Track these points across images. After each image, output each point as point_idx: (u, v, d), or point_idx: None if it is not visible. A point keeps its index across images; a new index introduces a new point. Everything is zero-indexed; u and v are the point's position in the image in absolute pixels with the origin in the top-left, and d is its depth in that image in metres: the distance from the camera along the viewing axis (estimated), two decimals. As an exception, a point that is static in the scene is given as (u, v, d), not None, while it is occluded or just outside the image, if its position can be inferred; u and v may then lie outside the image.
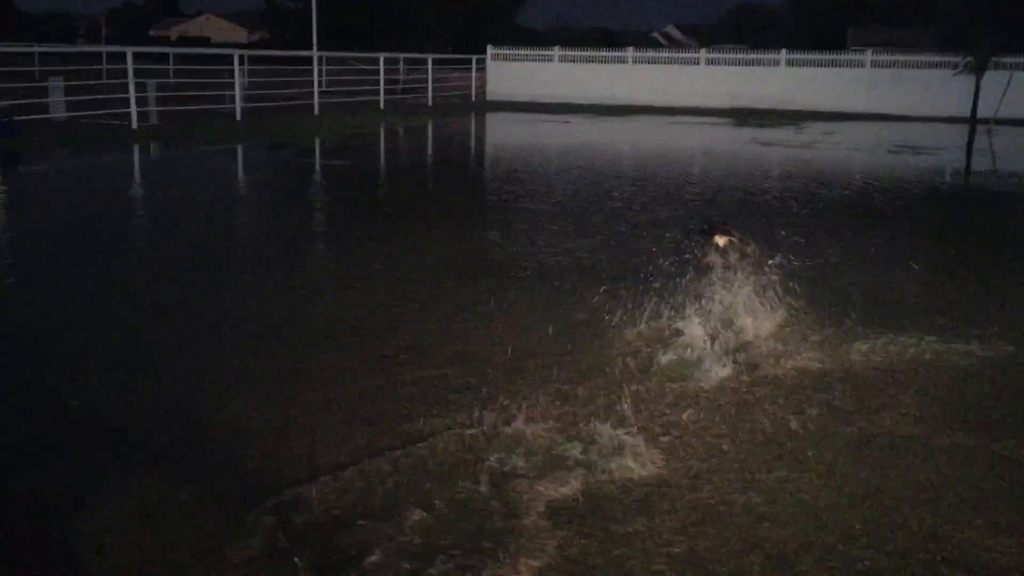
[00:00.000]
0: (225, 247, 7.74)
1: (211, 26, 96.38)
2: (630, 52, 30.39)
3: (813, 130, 21.75)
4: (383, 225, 8.95)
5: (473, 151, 18.15)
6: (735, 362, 4.59)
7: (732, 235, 5.19)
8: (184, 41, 76.17)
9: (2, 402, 4.13)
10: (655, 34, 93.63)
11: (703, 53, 30.37)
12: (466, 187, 12.39)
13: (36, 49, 29.87)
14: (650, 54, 31.20)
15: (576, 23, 76.84)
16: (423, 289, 6.18)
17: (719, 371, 4.49)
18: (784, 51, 28.54)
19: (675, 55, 32.05)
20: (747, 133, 20.96)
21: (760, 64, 28.79)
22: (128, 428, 3.82)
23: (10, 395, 4.21)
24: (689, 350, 4.70)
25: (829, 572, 2.80)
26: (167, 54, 31.42)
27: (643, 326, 5.09)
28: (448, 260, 7.12)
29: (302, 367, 4.59)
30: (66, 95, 17.87)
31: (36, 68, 26.23)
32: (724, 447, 3.70)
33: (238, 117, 19.10)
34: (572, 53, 30.78)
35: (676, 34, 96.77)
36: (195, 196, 10.57)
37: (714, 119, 24.81)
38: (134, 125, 16.55)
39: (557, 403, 4.11)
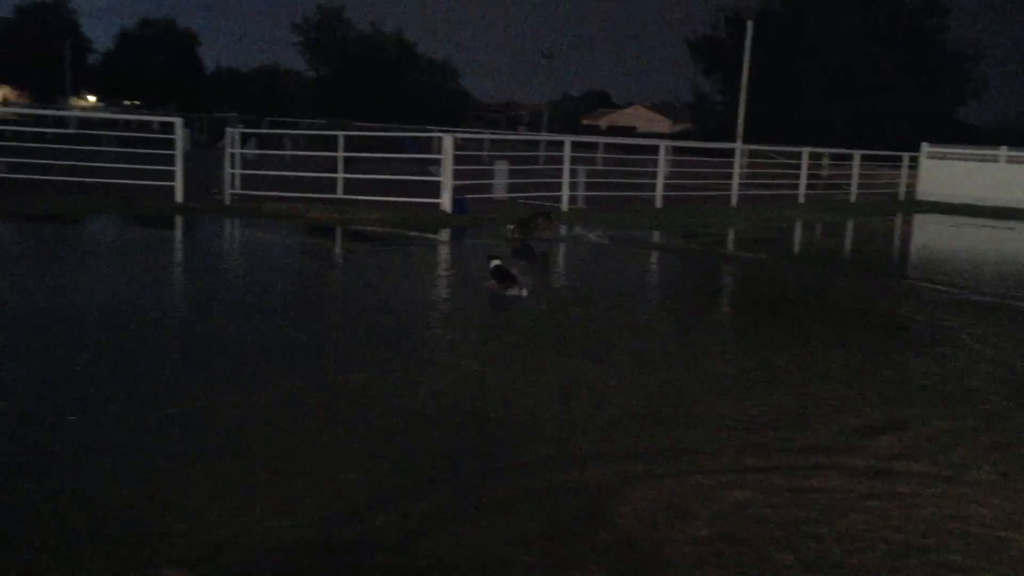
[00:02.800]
0: (620, 330, 7.91)
1: (638, 116, 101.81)
2: (1100, 154, 26.82)
3: None
4: (791, 324, 8.60)
5: (896, 253, 16.98)
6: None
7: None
8: (612, 130, 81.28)
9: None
10: None
11: None
12: (881, 293, 11.55)
13: (486, 136, 33.59)
14: None
15: (1026, 119, 69.41)
16: (827, 394, 5.81)
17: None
18: None
19: None
20: None
21: None
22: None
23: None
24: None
25: None
26: (597, 143, 33.63)
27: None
28: (856, 372, 6.63)
29: (697, 460, 4.50)
30: (508, 177, 19.77)
31: (485, 152, 29.42)
32: None
33: (658, 204, 19.76)
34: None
35: None
36: (605, 277, 11.02)
37: None
38: (564, 207, 17.82)
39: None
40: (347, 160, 17.74)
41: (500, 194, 19.27)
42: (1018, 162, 27.55)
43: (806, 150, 24.78)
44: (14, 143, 18.85)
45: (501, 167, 20.15)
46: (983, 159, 28.25)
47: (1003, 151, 27.98)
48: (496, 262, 8.75)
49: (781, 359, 6.92)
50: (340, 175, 17.07)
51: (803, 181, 24.41)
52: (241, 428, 4.80)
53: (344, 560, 3.44)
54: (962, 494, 4.31)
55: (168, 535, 3.53)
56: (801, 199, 24.09)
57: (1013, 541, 3.84)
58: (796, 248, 16.42)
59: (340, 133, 18.23)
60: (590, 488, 4.21)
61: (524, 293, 8.19)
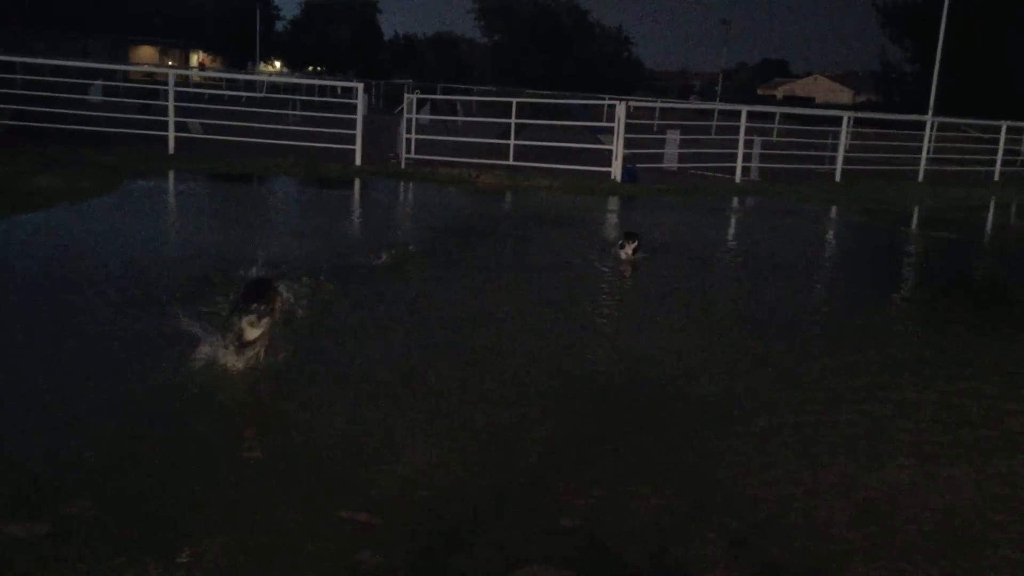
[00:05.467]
0: (799, 307, 7.64)
1: (817, 86, 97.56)
2: None
3: None
4: (983, 312, 8.07)
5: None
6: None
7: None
8: (789, 100, 78.22)
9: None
10: None
11: None
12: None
13: (658, 104, 33.06)
14: None
15: None
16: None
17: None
18: None
19: None
20: None
21: None
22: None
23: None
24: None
25: None
26: (773, 113, 32.41)
27: None
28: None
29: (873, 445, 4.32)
30: (679, 147, 19.41)
31: (656, 121, 28.96)
32: None
33: (838, 179, 18.92)
34: None
35: None
36: (779, 252, 10.66)
37: None
38: (737, 179, 17.34)
39: None
40: (518, 127, 17.88)
41: (671, 164, 18.94)
42: None
43: (1004, 124, 23.01)
44: (210, 106, 20.04)
45: (672, 136, 19.78)
46: None
47: None
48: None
49: (964, 344, 6.54)
50: (511, 142, 17.24)
51: (999, 157, 22.73)
52: (409, 382, 4.96)
53: (522, 518, 3.51)
54: None
55: (350, 481, 3.71)
56: (997, 177, 22.46)
57: None
58: (987, 229, 15.34)
59: (512, 100, 18.39)
60: (748, 465, 4.12)
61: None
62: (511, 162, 16.80)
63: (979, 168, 22.94)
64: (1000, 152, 22.76)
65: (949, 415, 4.94)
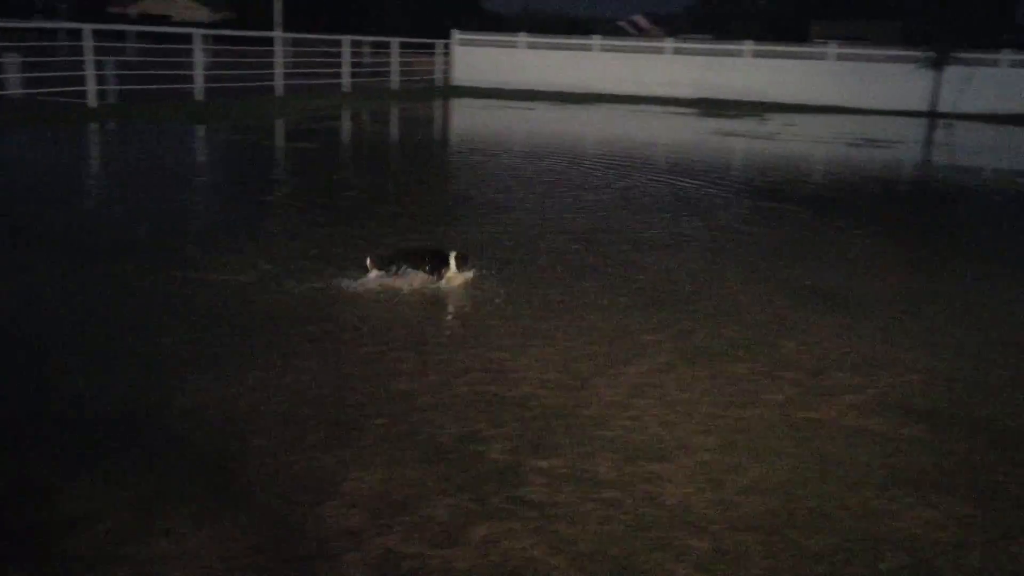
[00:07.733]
0: (183, 227, 7.62)
1: (173, 4, 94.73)
2: (596, 40, 30.33)
3: (776, 121, 21.90)
4: (346, 210, 8.87)
5: (437, 136, 18.02)
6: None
7: None
8: (145, 19, 74.73)
9: None
10: (622, 23, 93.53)
11: (669, 43, 30.36)
12: (427, 173, 12.33)
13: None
14: (616, 42, 31.12)
15: (542, 9, 76.00)
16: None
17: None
18: (749, 42, 28.57)
19: (641, 44, 32.02)
20: (711, 124, 21.05)
21: (726, 55, 28.74)
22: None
23: None
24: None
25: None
26: (125, 32, 30.75)
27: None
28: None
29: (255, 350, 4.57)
30: (22, 71, 17.47)
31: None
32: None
33: (199, 97, 18.81)
34: (538, 40, 30.63)
35: (643, 23, 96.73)
36: (147, 173, 10.40)
37: (679, 109, 24.89)
38: (93, 103, 16.23)
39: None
40: None
41: (14, 91, 17.01)
42: (534, 47, 30.33)
43: (347, 38, 24.95)
44: None
45: (12, 60, 17.71)
46: (505, 45, 30.63)
47: (522, 37, 30.59)
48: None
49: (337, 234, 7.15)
50: None
51: (346, 70, 24.66)
52: None
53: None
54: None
55: None
56: (346, 88, 24.39)
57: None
58: (344, 137, 16.69)
59: None
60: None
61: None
62: None
63: (331, 80, 24.65)
64: (346, 64, 24.67)
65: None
